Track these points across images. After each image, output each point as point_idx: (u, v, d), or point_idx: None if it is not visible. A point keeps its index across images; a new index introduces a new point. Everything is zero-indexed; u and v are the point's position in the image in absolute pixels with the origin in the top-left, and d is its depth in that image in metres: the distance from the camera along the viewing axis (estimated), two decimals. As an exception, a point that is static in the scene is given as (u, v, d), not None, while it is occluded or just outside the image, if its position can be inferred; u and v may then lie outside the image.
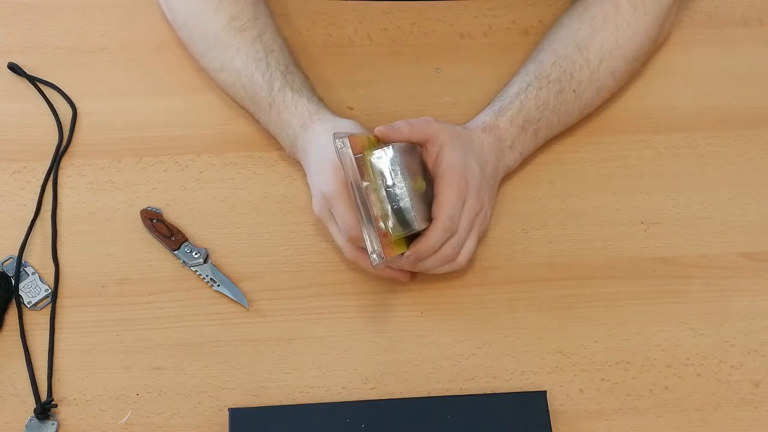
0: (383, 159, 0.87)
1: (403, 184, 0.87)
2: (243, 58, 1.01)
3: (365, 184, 0.86)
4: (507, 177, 1.01)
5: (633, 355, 0.93)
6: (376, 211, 0.86)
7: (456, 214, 0.90)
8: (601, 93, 1.04)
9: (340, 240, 0.93)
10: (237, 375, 0.91)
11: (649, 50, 1.07)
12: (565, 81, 1.00)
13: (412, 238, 0.90)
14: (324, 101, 1.01)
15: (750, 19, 1.14)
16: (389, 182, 0.87)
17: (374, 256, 0.86)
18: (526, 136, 0.99)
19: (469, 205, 0.92)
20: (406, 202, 0.87)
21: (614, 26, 1.02)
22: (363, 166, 0.87)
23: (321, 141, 0.95)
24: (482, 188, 0.94)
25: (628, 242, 0.99)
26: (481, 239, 0.96)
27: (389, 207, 0.87)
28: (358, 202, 0.87)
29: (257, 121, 1.03)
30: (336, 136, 0.87)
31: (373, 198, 0.87)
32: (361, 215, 0.87)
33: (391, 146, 0.88)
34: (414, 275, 0.95)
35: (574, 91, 1.01)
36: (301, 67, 1.03)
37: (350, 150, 0.86)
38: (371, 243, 0.86)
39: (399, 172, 0.87)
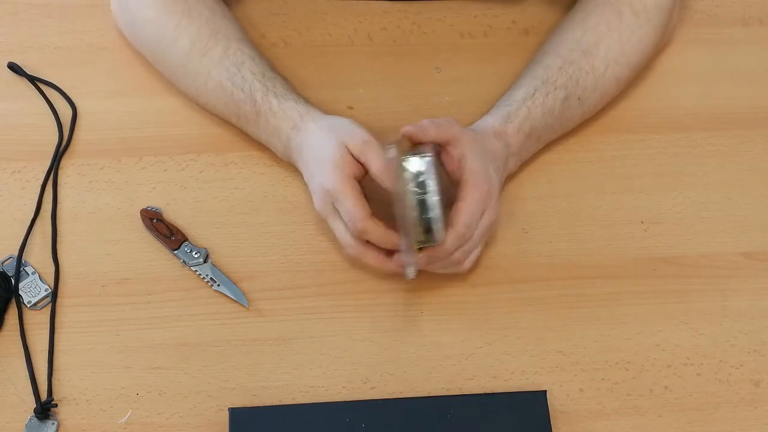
0: (420, 166, 0.86)
1: (435, 193, 0.86)
2: (216, 79, 0.99)
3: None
4: (507, 176, 1.01)
5: (633, 355, 0.93)
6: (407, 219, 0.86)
7: (473, 222, 0.89)
8: (604, 99, 1.04)
9: (344, 236, 0.92)
10: (237, 375, 0.91)
11: (651, 56, 1.07)
12: (571, 87, 1.00)
13: None
14: (310, 101, 0.99)
15: (750, 19, 1.15)
16: (426, 190, 0.86)
17: (411, 269, 0.86)
18: (530, 143, 0.99)
19: (488, 215, 0.91)
20: (436, 212, 0.86)
21: (618, 34, 1.02)
22: (397, 170, 0.86)
23: (316, 138, 0.94)
24: (498, 196, 0.94)
25: (628, 242, 0.99)
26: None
27: (418, 215, 0.86)
28: (407, 204, 0.85)
29: (246, 134, 1.02)
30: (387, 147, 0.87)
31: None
32: (404, 225, 0.86)
33: (427, 154, 0.86)
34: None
35: (579, 97, 1.00)
36: (277, 69, 1.02)
37: (399, 156, 0.86)
38: (409, 255, 0.86)
39: (434, 182, 0.86)
